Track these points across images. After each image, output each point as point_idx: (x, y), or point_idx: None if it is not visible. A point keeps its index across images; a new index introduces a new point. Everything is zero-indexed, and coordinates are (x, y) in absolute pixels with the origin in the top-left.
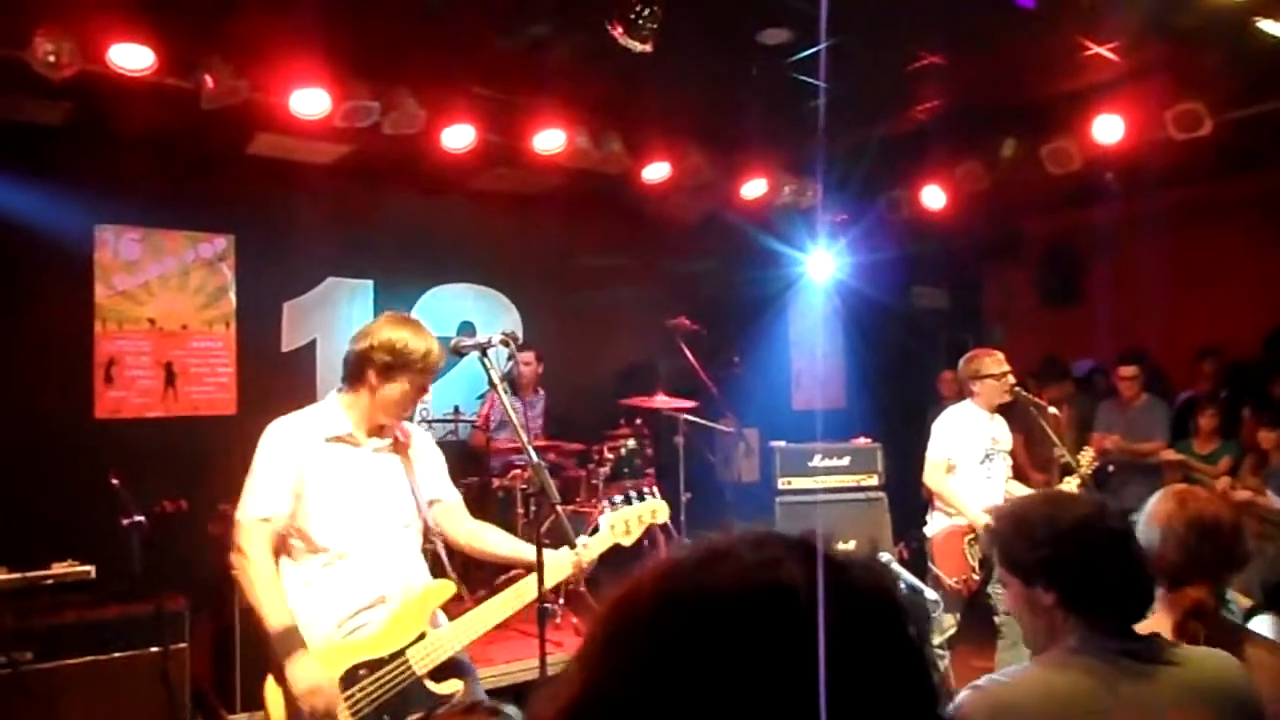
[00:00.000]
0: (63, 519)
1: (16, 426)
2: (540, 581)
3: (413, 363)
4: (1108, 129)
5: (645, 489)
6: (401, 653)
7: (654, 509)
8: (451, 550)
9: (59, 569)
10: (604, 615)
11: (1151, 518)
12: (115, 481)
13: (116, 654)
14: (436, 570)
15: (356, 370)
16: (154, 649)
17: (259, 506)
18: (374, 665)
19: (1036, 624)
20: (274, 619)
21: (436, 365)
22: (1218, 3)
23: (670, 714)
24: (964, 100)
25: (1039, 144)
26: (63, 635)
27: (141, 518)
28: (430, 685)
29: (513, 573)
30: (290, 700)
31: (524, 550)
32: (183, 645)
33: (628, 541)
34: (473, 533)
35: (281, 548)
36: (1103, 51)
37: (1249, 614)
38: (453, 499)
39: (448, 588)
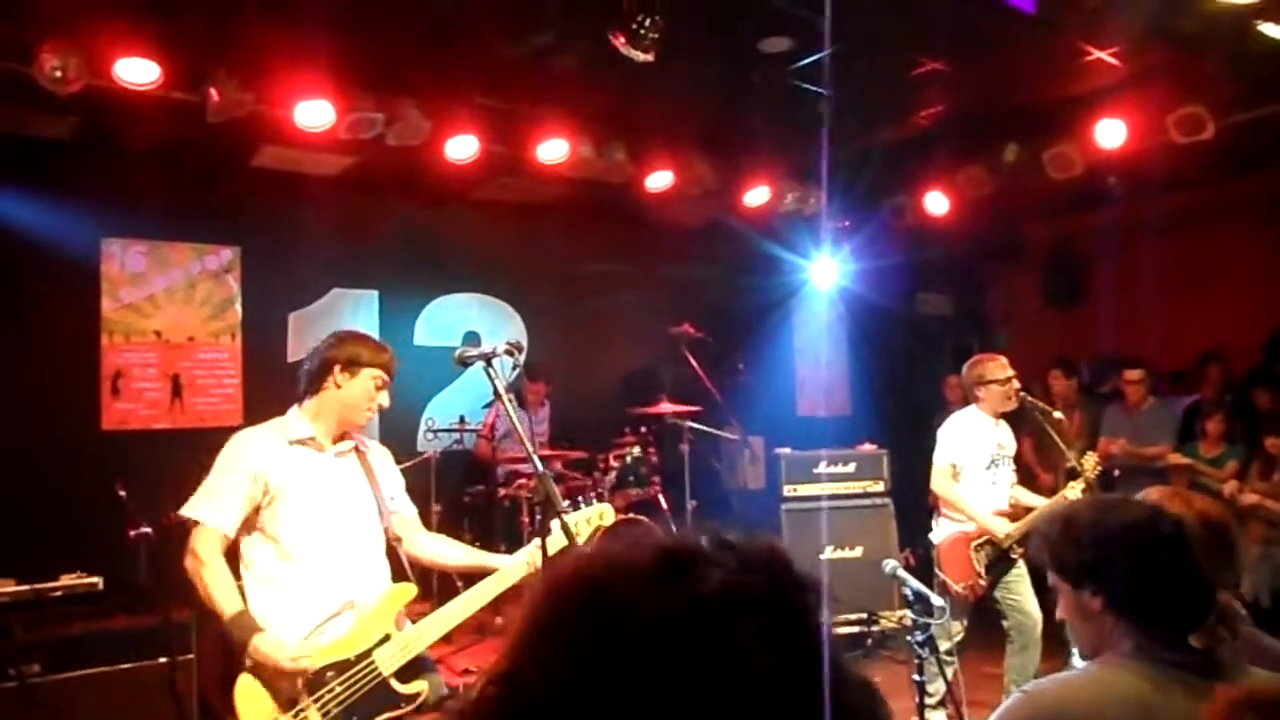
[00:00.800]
0: (70, 530)
1: (24, 438)
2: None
3: (378, 360)
4: (1110, 133)
5: (595, 494)
6: (368, 654)
7: (601, 512)
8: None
9: (66, 580)
10: (528, 612)
11: None
12: (122, 493)
13: (124, 665)
14: (398, 574)
15: (321, 372)
16: (161, 660)
17: (204, 511)
18: (341, 667)
19: (1087, 629)
20: (228, 608)
21: (394, 367)
22: (1219, 6)
23: (585, 710)
24: (966, 106)
25: (1041, 149)
26: (70, 646)
27: (148, 529)
28: (396, 685)
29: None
30: (258, 698)
31: (479, 559)
32: (190, 656)
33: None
34: (429, 545)
35: (248, 557)
36: (1104, 56)
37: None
38: (409, 513)
39: (410, 590)
